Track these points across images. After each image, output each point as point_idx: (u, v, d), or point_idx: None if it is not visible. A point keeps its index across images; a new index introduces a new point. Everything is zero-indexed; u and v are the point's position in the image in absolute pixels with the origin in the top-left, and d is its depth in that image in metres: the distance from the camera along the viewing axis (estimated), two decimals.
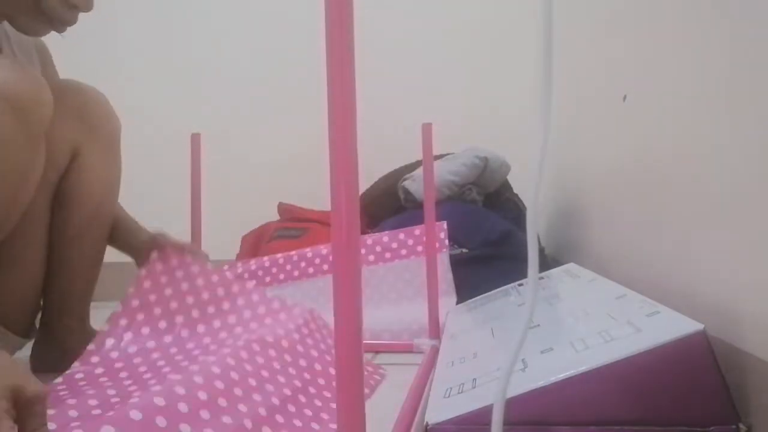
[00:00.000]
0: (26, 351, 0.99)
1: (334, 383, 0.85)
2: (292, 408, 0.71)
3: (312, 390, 0.78)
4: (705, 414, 0.55)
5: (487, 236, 1.34)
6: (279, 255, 1.37)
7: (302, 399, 0.75)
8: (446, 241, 1.27)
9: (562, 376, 0.58)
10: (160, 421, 0.55)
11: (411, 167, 1.60)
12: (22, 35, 0.94)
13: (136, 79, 1.99)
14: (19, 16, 0.88)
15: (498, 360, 0.70)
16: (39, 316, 1.01)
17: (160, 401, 0.56)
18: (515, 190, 1.60)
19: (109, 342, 0.81)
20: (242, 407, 0.64)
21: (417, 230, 1.30)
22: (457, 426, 0.58)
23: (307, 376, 0.80)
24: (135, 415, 0.53)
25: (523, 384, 0.59)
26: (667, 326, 0.59)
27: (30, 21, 0.89)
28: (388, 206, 1.57)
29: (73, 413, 0.60)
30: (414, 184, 1.49)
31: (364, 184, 1.63)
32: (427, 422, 0.59)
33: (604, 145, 1.20)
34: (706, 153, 0.72)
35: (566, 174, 1.54)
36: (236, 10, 2.01)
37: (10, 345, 0.95)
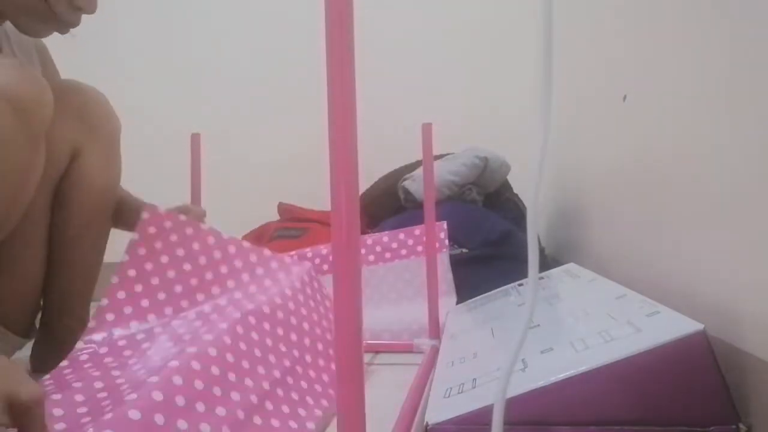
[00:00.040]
0: (26, 351, 0.99)
1: (331, 351, 0.86)
2: (280, 392, 0.71)
3: (308, 358, 0.78)
4: (705, 414, 0.55)
5: (487, 236, 1.34)
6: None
7: (290, 381, 0.75)
8: (446, 241, 1.27)
9: (562, 376, 0.58)
10: (159, 419, 0.55)
11: (411, 167, 1.60)
12: (22, 35, 0.94)
13: (136, 79, 1.99)
14: (22, 17, 0.88)
15: (498, 360, 0.70)
16: (39, 316, 1.01)
17: (158, 396, 0.56)
18: (515, 190, 1.60)
19: (110, 316, 0.78)
20: (235, 395, 0.64)
21: (417, 230, 1.30)
22: (457, 426, 0.58)
23: (296, 353, 0.79)
24: (134, 414, 0.53)
25: (523, 384, 0.59)
26: (667, 326, 0.59)
27: (33, 22, 0.89)
28: (388, 206, 1.57)
29: (79, 397, 0.60)
30: (414, 184, 1.49)
31: (364, 184, 1.63)
32: (427, 422, 0.59)
33: (604, 145, 1.20)
34: (706, 153, 0.72)
35: (566, 174, 1.54)
36: (236, 10, 2.01)
37: (10, 345, 0.95)
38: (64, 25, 0.90)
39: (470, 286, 1.22)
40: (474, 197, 1.49)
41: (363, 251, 1.30)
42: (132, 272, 0.82)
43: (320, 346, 0.85)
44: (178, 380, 0.59)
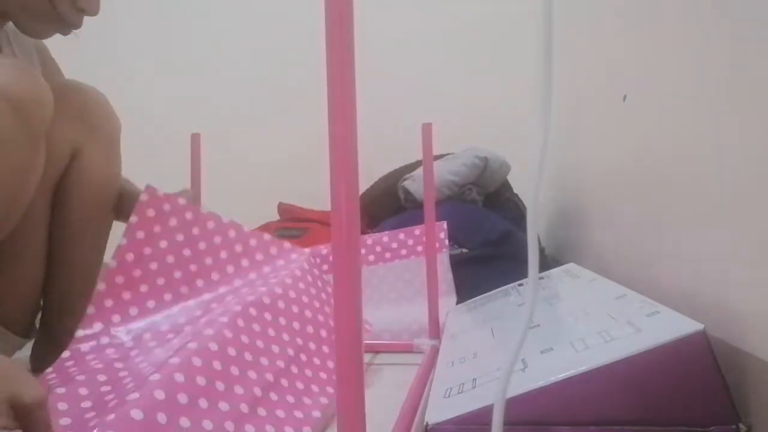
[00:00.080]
0: (26, 351, 0.99)
1: (333, 337, 0.86)
2: (284, 383, 0.71)
3: (312, 346, 0.78)
4: (705, 414, 0.55)
5: (487, 236, 1.34)
6: None
7: (294, 370, 0.74)
8: (446, 241, 1.27)
9: (562, 376, 0.58)
10: (161, 418, 0.55)
11: (411, 167, 1.60)
12: (22, 35, 0.95)
13: (136, 79, 1.99)
14: (24, 17, 0.88)
15: (498, 360, 0.70)
16: (39, 316, 1.01)
17: (160, 395, 0.56)
18: (515, 190, 1.60)
19: (108, 302, 0.78)
20: (238, 389, 0.64)
21: (417, 230, 1.30)
22: (457, 426, 0.58)
23: (299, 342, 0.79)
24: (136, 414, 0.53)
25: (523, 384, 0.59)
26: (667, 326, 0.59)
27: (36, 22, 0.89)
28: (388, 206, 1.57)
29: (83, 391, 0.60)
30: (414, 184, 1.49)
31: (364, 184, 1.63)
32: (427, 422, 0.59)
33: (604, 145, 1.20)
34: (706, 153, 0.72)
35: (566, 174, 1.54)
36: (236, 10, 2.01)
37: (10, 345, 0.95)
38: (67, 25, 0.90)
39: (470, 286, 1.22)
40: (474, 197, 1.49)
41: (363, 251, 1.30)
42: (130, 256, 0.81)
43: (323, 333, 0.84)
44: (179, 378, 0.59)
